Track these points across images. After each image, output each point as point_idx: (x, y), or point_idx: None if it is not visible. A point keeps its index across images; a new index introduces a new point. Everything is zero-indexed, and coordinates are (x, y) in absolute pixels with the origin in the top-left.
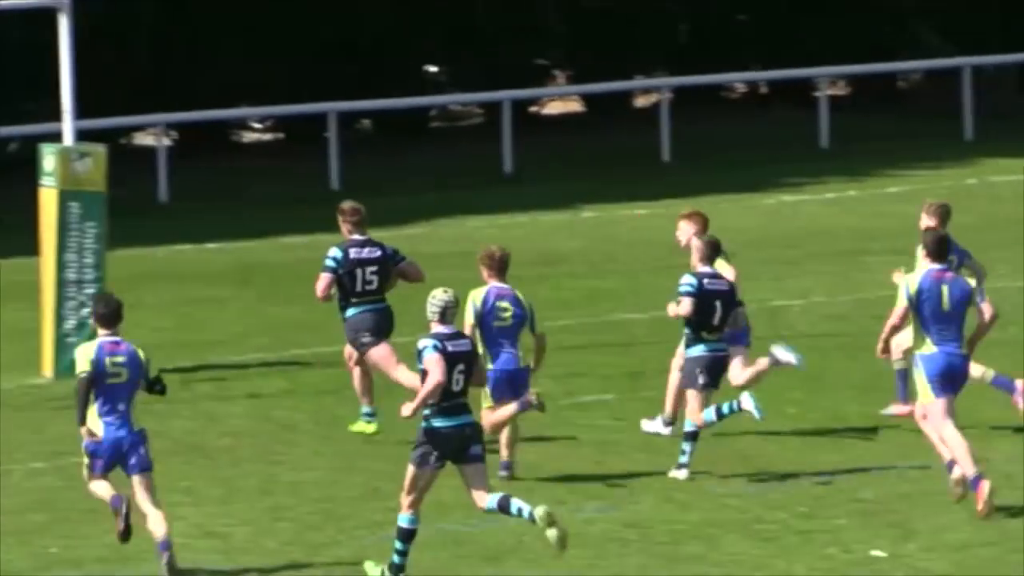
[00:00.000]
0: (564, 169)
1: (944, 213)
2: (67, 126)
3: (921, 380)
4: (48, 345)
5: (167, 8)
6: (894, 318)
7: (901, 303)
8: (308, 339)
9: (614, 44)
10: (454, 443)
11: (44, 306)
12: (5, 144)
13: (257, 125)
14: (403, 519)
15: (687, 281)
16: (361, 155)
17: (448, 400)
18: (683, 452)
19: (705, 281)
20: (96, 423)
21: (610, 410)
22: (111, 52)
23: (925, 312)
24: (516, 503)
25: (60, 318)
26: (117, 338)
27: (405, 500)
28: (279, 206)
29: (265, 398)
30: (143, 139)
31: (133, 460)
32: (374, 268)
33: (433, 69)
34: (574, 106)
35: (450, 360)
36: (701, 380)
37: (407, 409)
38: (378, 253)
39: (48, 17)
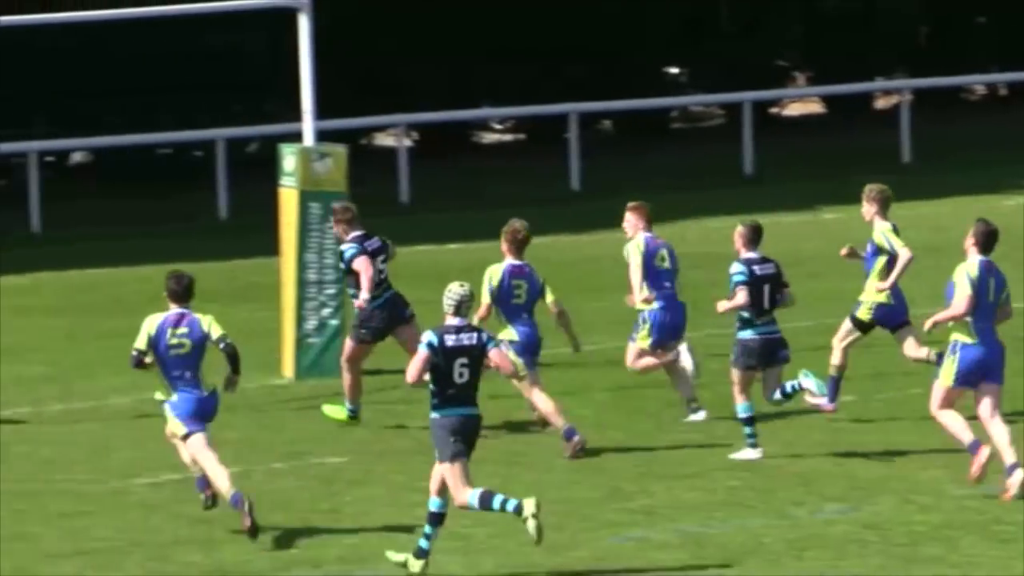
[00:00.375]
0: (804, 170)
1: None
2: (307, 126)
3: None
4: (288, 346)
5: (407, 8)
6: (961, 308)
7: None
8: (550, 340)
9: (852, 46)
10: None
11: (284, 307)
12: (245, 144)
13: (497, 126)
14: (433, 504)
15: (738, 270)
16: (601, 155)
17: (451, 390)
18: (748, 435)
19: (755, 268)
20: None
21: (851, 411)
22: (352, 52)
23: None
24: (499, 497)
25: (300, 319)
26: (183, 311)
27: (434, 487)
28: (519, 206)
29: (504, 399)
30: (384, 139)
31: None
32: None
33: (674, 71)
34: (814, 107)
35: (448, 353)
36: (746, 362)
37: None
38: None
39: (288, 18)
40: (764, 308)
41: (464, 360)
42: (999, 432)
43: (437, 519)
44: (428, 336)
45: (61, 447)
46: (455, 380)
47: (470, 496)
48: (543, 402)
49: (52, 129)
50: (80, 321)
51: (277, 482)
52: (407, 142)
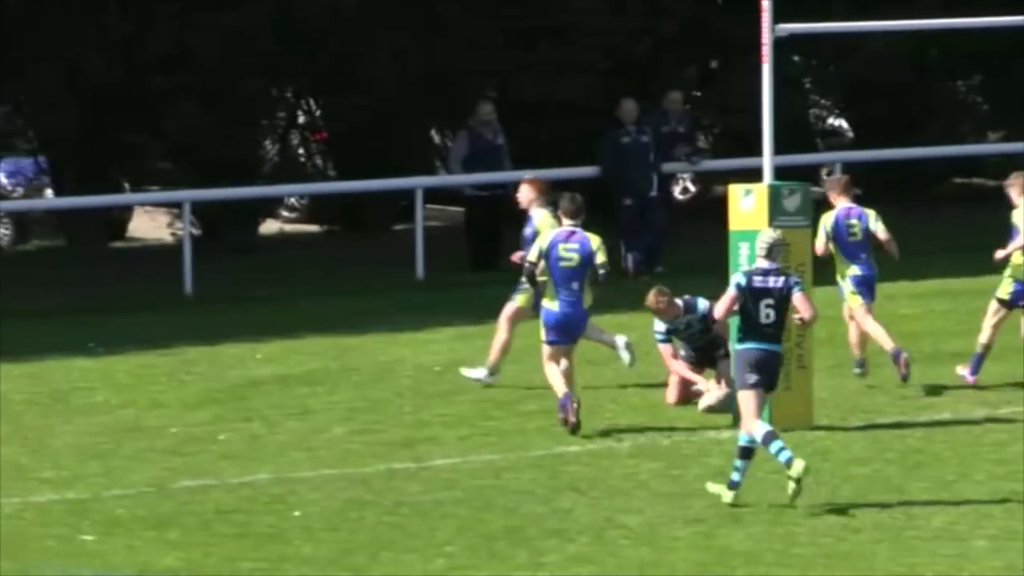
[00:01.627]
0: None
1: None
2: None
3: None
4: None
5: None
6: None
7: None
8: None
9: None
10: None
11: None
12: None
13: None
14: (742, 438)
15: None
16: None
17: (755, 328)
18: None
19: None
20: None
21: None
22: None
23: None
24: (778, 444)
25: None
26: (574, 229)
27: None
28: None
29: None
30: None
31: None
32: None
33: None
34: None
35: (755, 294)
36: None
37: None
38: None
39: None
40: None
41: (769, 301)
42: None
43: (747, 453)
44: (737, 277)
45: None
46: (759, 320)
47: (757, 427)
48: (874, 329)
49: None
50: None
51: None
52: None
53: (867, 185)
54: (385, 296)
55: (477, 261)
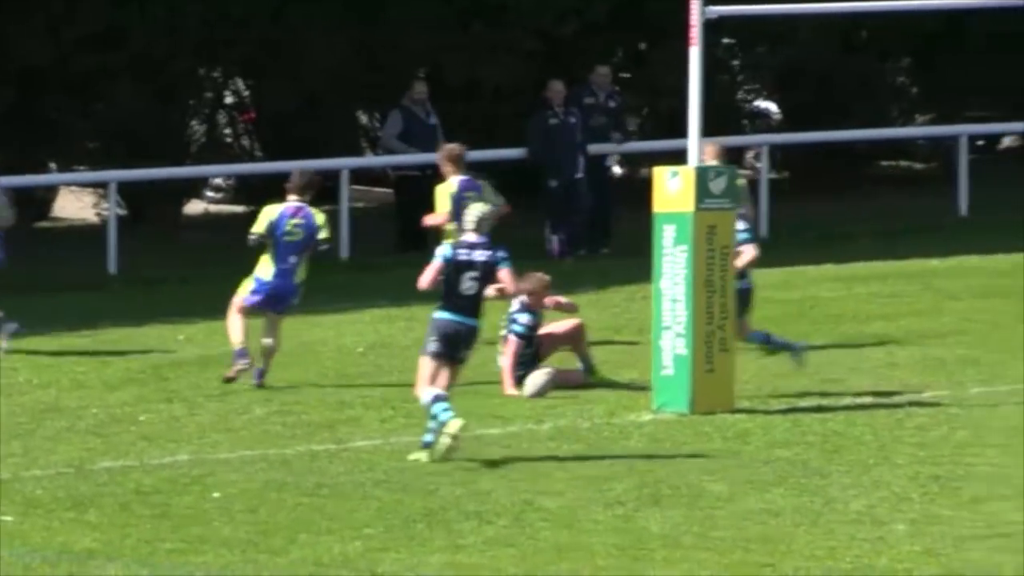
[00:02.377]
0: None
1: None
2: None
3: None
4: None
5: None
6: None
7: None
8: None
9: None
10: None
11: None
12: None
13: None
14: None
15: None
16: None
17: (453, 300)
18: None
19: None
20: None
21: None
22: None
23: None
24: (442, 406)
25: None
26: (300, 205)
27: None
28: None
29: None
30: None
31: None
32: None
33: None
34: None
35: (459, 266)
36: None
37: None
38: None
39: None
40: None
41: (474, 274)
42: None
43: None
44: (444, 249)
45: (977, 430)
46: (460, 291)
47: (425, 392)
48: None
49: (988, 114)
50: (1004, 305)
51: None
52: None
53: (795, 167)
54: (308, 277)
55: (404, 241)
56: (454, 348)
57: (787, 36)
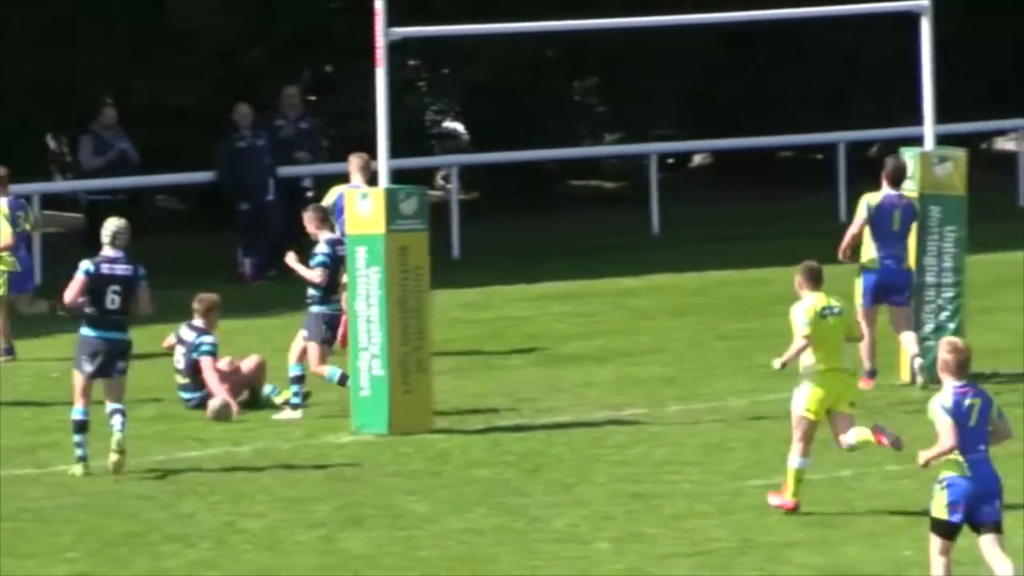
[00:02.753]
0: None
1: None
2: (928, 130)
3: None
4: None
5: None
6: None
7: None
8: None
9: None
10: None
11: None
12: (867, 147)
13: None
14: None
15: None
16: None
17: (100, 316)
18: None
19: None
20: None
21: None
22: (972, 56)
23: None
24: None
25: (919, 322)
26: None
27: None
28: None
29: None
30: (1004, 144)
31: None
32: None
33: None
34: None
35: (101, 280)
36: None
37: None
38: None
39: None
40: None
41: (116, 287)
42: None
43: (80, 427)
44: (86, 264)
45: (677, 448)
46: (106, 306)
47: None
48: None
49: (675, 132)
50: (699, 323)
51: (893, 484)
52: None
53: (484, 188)
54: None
55: None
56: (106, 365)
57: (472, 55)
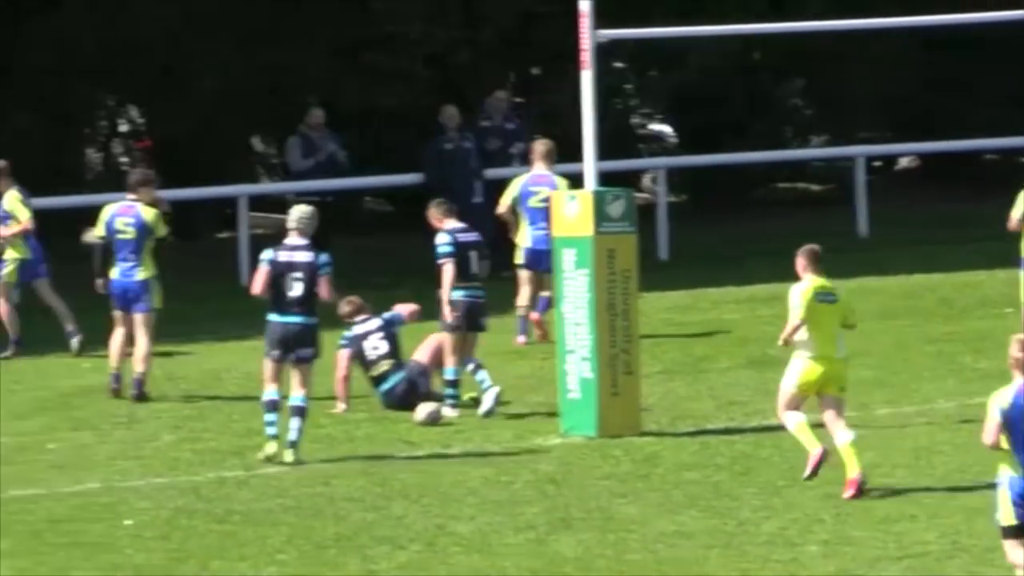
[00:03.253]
0: None
1: None
2: None
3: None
4: None
5: None
6: None
7: None
8: None
9: None
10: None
11: None
12: None
13: None
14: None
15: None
16: None
17: (280, 302)
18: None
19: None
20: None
21: None
22: None
23: None
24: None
25: None
26: (130, 203)
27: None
28: None
29: None
30: None
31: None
32: None
33: None
34: None
35: (281, 268)
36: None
37: None
38: None
39: None
40: (471, 273)
41: (297, 275)
42: None
43: (272, 406)
44: (267, 253)
45: (886, 451)
46: (286, 292)
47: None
48: None
49: (881, 134)
50: (907, 326)
51: None
52: None
53: (692, 190)
54: (210, 303)
55: None
56: (290, 347)
57: (679, 58)
